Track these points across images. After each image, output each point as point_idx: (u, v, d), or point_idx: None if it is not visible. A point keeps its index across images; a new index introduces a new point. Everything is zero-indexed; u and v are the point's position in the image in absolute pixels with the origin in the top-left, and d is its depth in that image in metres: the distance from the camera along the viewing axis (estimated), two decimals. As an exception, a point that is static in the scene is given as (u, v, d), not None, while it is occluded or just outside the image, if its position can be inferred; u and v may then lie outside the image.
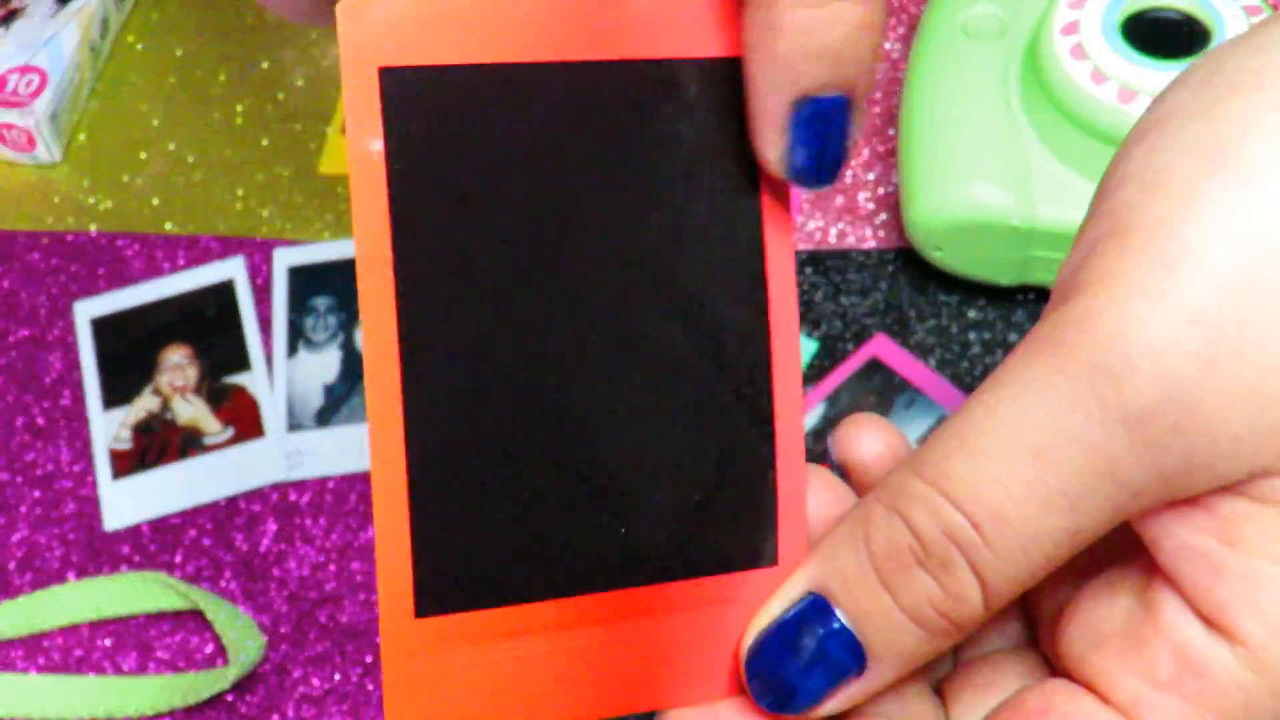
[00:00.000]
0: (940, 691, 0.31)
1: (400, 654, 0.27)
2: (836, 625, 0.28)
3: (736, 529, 0.29)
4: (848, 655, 0.28)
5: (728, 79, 0.28)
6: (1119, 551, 0.28)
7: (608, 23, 0.27)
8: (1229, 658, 0.26)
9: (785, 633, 0.28)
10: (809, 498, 0.30)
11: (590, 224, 0.27)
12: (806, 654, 0.28)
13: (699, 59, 0.28)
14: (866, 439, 0.31)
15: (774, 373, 0.29)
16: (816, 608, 0.28)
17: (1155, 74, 0.55)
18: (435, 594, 0.27)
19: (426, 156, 0.26)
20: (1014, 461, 0.26)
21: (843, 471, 0.32)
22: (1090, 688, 0.27)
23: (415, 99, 0.26)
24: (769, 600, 0.29)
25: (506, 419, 0.27)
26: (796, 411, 0.29)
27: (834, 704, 0.28)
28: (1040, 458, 0.25)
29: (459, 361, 0.27)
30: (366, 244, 0.26)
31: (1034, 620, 0.31)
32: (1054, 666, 0.29)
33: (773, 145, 0.27)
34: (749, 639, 0.29)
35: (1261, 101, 0.26)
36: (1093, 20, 0.57)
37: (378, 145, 0.26)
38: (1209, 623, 0.26)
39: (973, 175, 0.57)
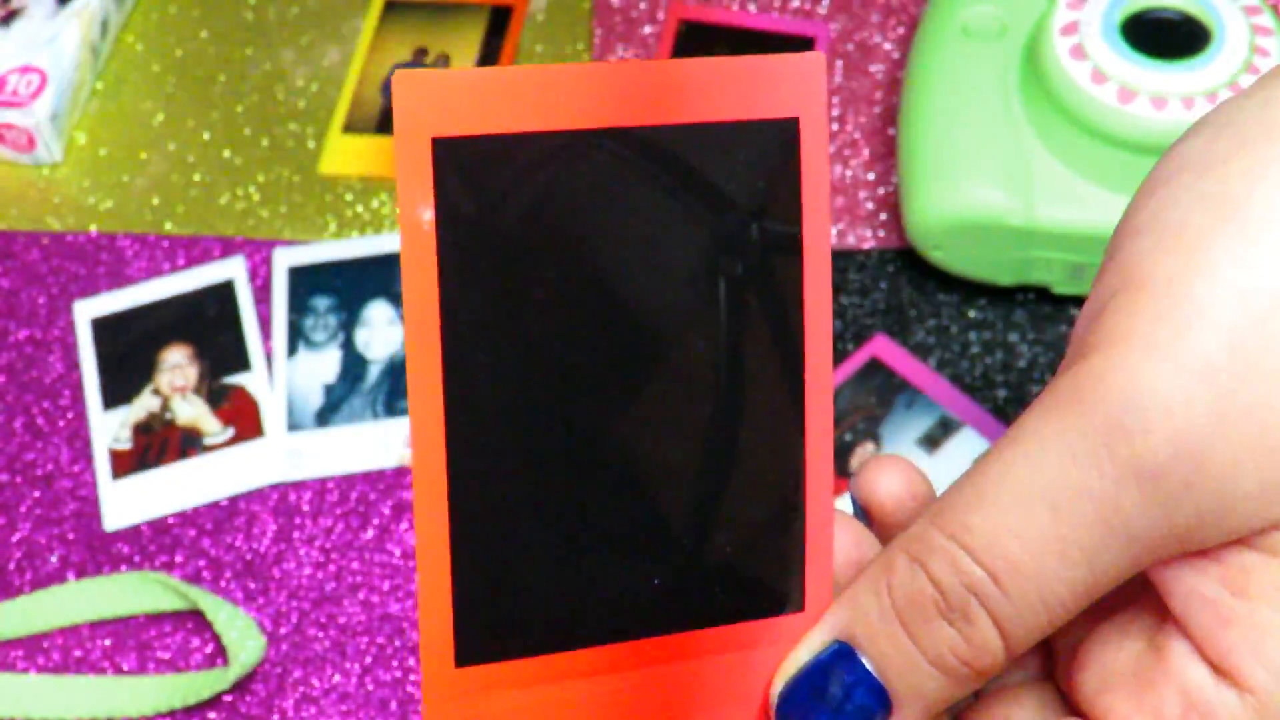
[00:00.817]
0: None
1: (441, 701, 0.28)
2: (862, 672, 0.28)
3: (765, 577, 0.30)
4: (873, 701, 0.28)
5: (777, 138, 0.29)
6: (1134, 594, 0.29)
7: (657, 90, 0.28)
8: (1235, 703, 0.26)
9: (813, 680, 0.29)
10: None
11: (635, 287, 0.28)
12: (834, 701, 0.29)
13: (751, 120, 0.29)
14: (886, 480, 0.32)
15: (806, 422, 0.30)
16: (842, 655, 0.29)
17: (1155, 74, 0.55)
18: (475, 644, 0.28)
19: (476, 225, 0.27)
20: (1030, 515, 0.26)
21: (864, 513, 0.32)
22: None
23: (467, 168, 0.27)
24: (796, 647, 0.30)
25: (546, 474, 0.28)
26: (826, 462, 0.30)
27: None
28: (1056, 512, 0.26)
29: (501, 417, 0.28)
30: (415, 308, 0.27)
31: (1053, 654, 0.32)
32: (1069, 702, 0.30)
33: None
34: (778, 685, 0.30)
35: (1270, 155, 0.26)
36: (1093, 20, 0.57)
37: (429, 214, 0.27)
38: (1216, 669, 0.27)
39: (973, 175, 0.57)
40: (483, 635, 0.28)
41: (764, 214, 0.29)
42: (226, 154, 0.68)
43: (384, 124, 0.68)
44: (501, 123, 0.27)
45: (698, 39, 0.69)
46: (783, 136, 0.29)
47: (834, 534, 0.31)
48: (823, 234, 0.30)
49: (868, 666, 0.28)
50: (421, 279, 0.27)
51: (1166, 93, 0.55)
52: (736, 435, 0.29)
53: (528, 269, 0.28)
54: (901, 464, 0.32)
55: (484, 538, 0.28)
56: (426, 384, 0.27)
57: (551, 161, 0.28)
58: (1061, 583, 0.26)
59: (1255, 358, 0.25)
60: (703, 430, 0.29)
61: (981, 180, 0.57)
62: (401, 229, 0.27)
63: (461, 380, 0.27)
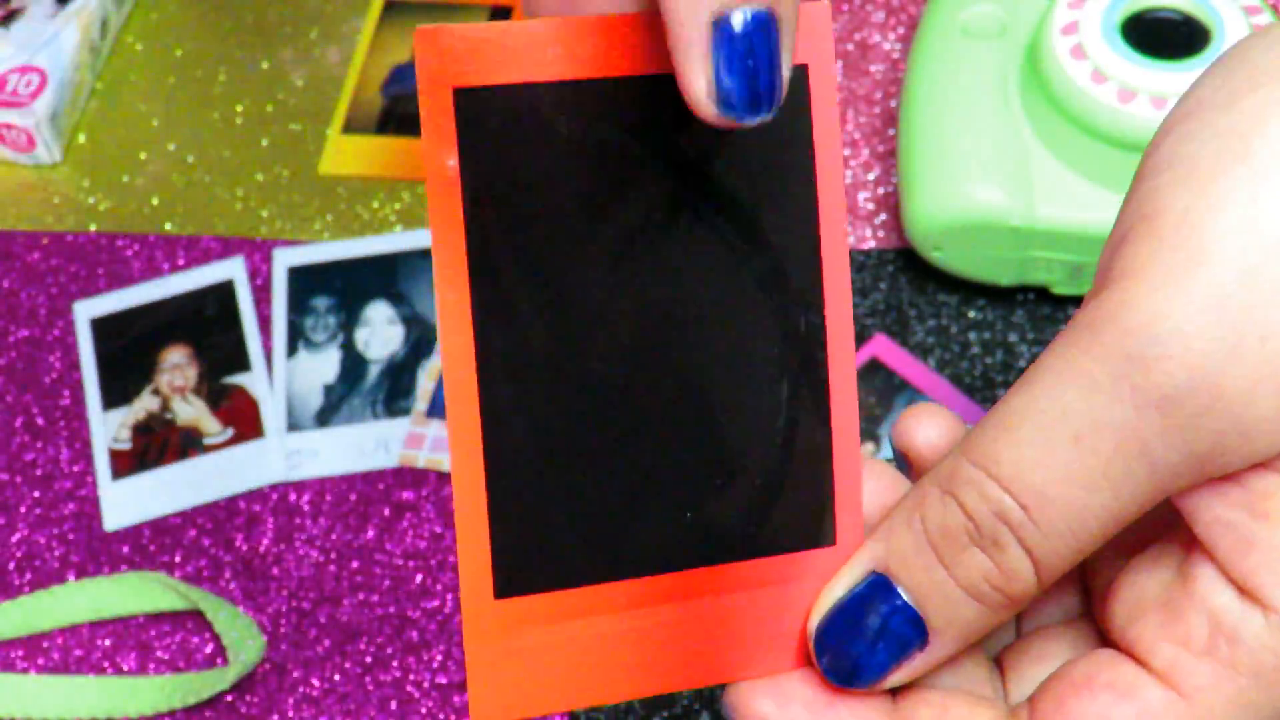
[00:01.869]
0: (998, 662, 0.32)
1: (481, 634, 0.29)
2: (899, 602, 0.29)
3: (797, 511, 0.31)
4: (910, 630, 0.29)
5: (797, 82, 0.30)
6: (1164, 527, 0.30)
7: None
8: (1260, 623, 0.27)
9: (850, 612, 0.30)
10: (865, 487, 0.32)
11: (657, 225, 0.29)
12: (872, 630, 0.30)
13: None
14: (924, 428, 0.32)
15: (830, 361, 0.31)
16: (879, 586, 0.30)
17: (1155, 74, 0.55)
18: (513, 576, 0.29)
19: (499, 171, 0.28)
20: (1056, 446, 0.27)
21: (902, 459, 0.33)
22: (1132, 656, 0.29)
23: (488, 117, 0.28)
24: (832, 580, 0.31)
25: (579, 408, 0.29)
26: (851, 398, 0.31)
27: (898, 676, 0.30)
28: (1079, 442, 0.27)
29: (532, 355, 0.29)
30: (443, 253, 0.28)
31: (1089, 593, 0.33)
32: (1104, 637, 0.31)
33: (698, 75, 0.27)
34: (815, 618, 0.30)
35: (1276, 96, 0.27)
36: (1092, 20, 0.57)
37: (452, 161, 0.28)
38: (1241, 591, 0.27)
39: (972, 175, 0.57)
40: (521, 566, 0.29)
41: (778, 156, 0.30)
42: (226, 154, 0.68)
43: (384, 124, 0.68)
44: (521, 73, 0.28)
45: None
46: (792, 84, 0.29)
47: (869, 480, 0.32)
48: (835, 174, 0.30)
49: (904, 597, 0.29)
50: (448, 223, 0.28)
51: (1166, 93, 0.55)
52: (764, 369, 0.30)
53: (552, 211, 0.28)
54: (941, 411, 0.33)
55: (519, 470, 0.29)
56: (457, 322, 0.28)
57: (571, 108, 0.28)
58: (1088, 510, 0.27)
59: (1267, 287, 0.26)
60: (732, 364, 0.30)
61: (981, 180, 0.57)
62: (427, 177, 0.28)
63: (491, 317, 0.28)
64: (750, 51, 0.27)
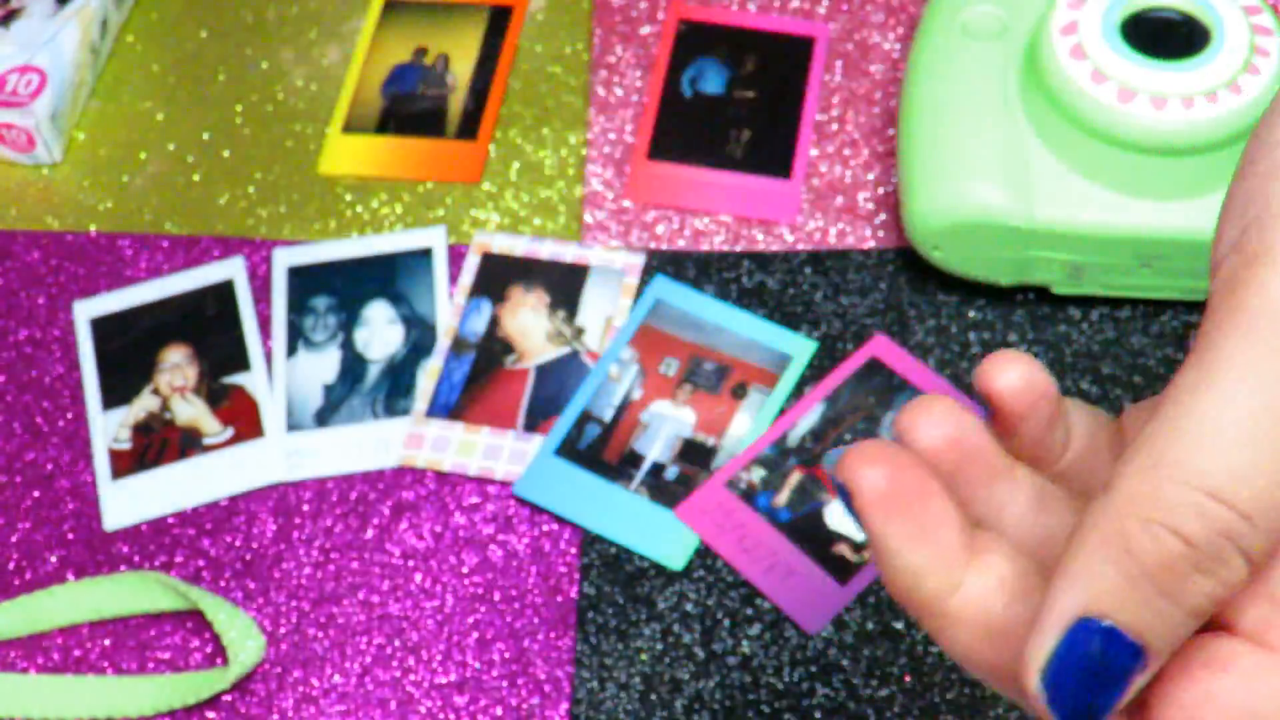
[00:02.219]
0: None
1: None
2: (1118, 636, 0.29)
3: None
4: (1134, 660, 0.29)
5: None
6: None
7: None
8: None
9: (1071, 661, 0.29)
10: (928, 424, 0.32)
11: None
12: (1097, 673, 0.29)
13: None
14: (1010, 373, 0.32)
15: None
16: (1093, 631, 0.29)
17: (1155, 74, 0.55)
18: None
19: None
20: (1261, 446, 0.27)
21: (985, 404, 0.32)
22: (1218, 625, 0.29)
23: None
24: (1035, 635, 0.30)
25: None
26: None
27: (1125, 701, 0.30)
28: None
29: None
30: None
31: None
32: None
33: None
34: (1034, 675, 0.30)
35: None
36: (1092, 20, 0.57)
37: None
38: None
39: (972, 175, 0.57)
40: None
41: None
42: (226, 154, 0.68)
43: (384, 124, 0.68)
44: None
45: (698, 39, 0.69)
46: None
47: (935, 413, 0.31)
48: None
49: (1124, 634, 0.29)
50: None
51: (1166, 93, 0.55)
52: None
53: None
54: (1022, 358, 0.32)
55: None
56: None
57: None
58: None
59: None
60: None
61: (981, 180, 0.57)
62: None
63: None
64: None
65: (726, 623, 0.55)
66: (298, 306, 0.63)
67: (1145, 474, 0.28)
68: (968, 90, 0.59)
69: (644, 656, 0.54)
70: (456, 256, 0.64)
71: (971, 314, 0.61)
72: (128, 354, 0.62)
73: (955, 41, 0.61)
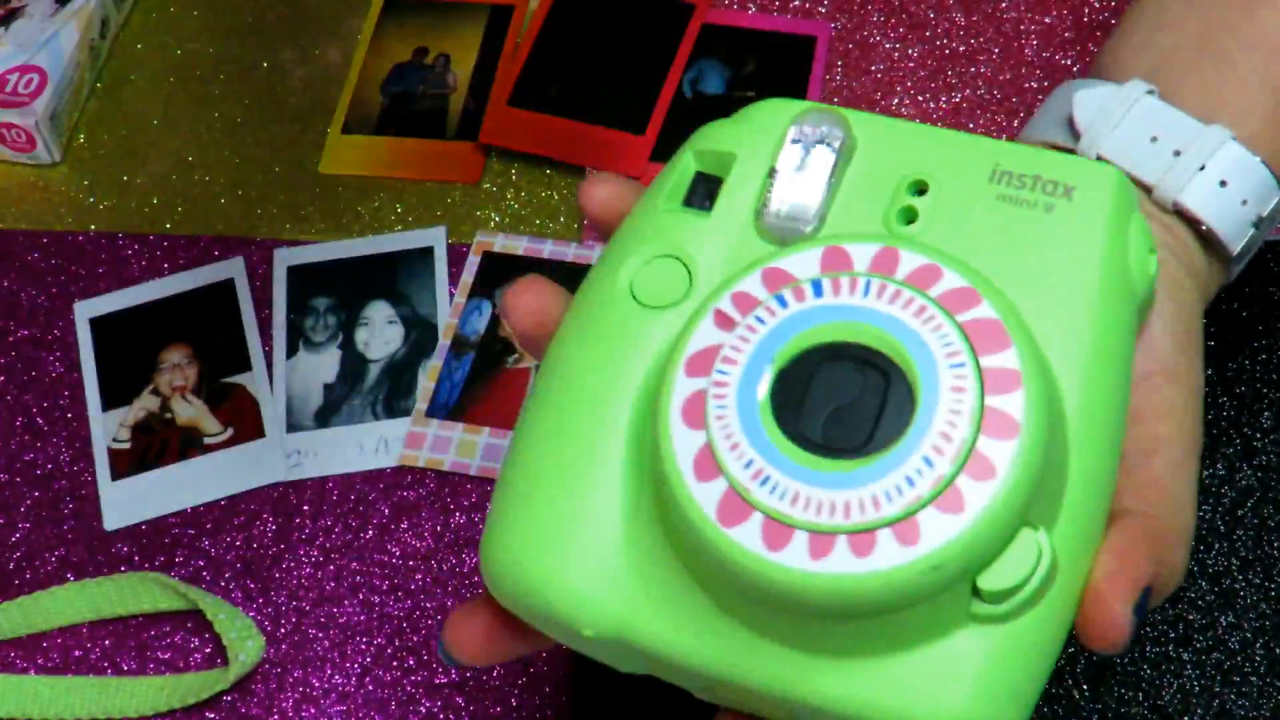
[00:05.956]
0: None
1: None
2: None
3: None
4: None
5: None
6: None
7: None
8: None
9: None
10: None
11: None
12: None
13: None
14: (600, 192, 0.41)
15: None
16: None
17: (820, 492, 0.32)
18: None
19: None
20: None
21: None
22: None
23: None
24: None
25: None
26: None
27: None
28: None
29: None
30: None
31: None
32: None
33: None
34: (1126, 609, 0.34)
35: None
36: (728, 388, 0.33)
37: None
38: None
39: (563, 551, 0.35)
40: None
41: None
42: (226, 154, 0.68)
43: (384, 124, 0.68)
44: None
45: (698, 38, 0.69)
46: None
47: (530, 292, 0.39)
48: None
49: None
50: None
51: (841, 524, 0.31)
52: None
53: None
54: (612, 178, 0.40)
55: None
56: None
57: None
58: None
59: None
60: None
61: (575, 563, 0.35)
62: None
63: None
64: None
65: (727, 623, 0.55)
66: (298, 306, 0.63)
67: None
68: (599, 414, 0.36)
69: (644, 657, 0.54)
70: (457, 256, 0.64)
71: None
72: (128, 354, 0.62)
73: (619, 310, 0.37)
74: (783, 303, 0.34)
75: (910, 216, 0.36)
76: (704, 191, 0.38)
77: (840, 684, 0.32)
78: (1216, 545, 0.54)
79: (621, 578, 0.35)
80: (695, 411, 0.33)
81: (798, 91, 0.67)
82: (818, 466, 0.32)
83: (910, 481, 0.31)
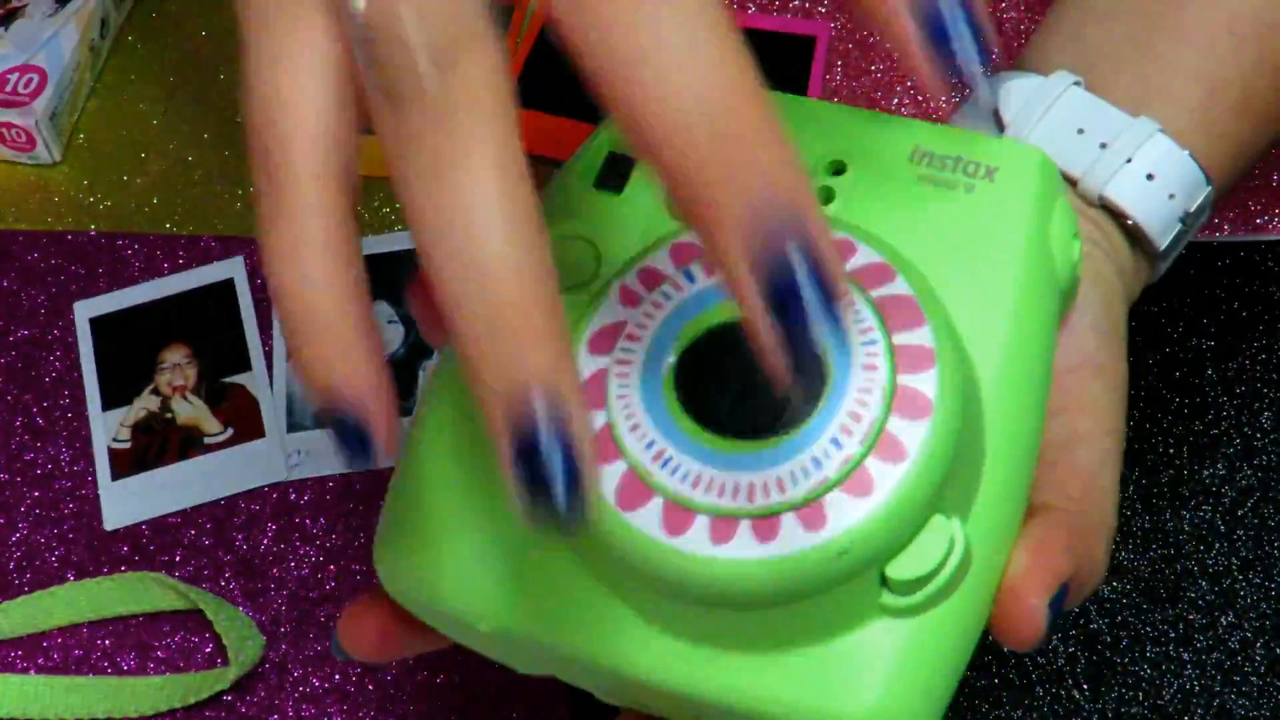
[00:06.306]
0: None
1: None
2: None
3: None
4: None
5: None
6: None
7: None
8: None
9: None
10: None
11: None
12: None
13: None
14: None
15: None
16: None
17: (723, 475, 0.31)
18: None
19: None
20: None
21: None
22: None
23: None
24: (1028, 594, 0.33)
25: None
26: None
27: None
28: None
29: None
30: None
31: None
32: None
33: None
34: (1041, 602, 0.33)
35: None
36: (630, 370, 0.32)
37: None
38: None
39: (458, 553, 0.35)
40: None
41: None
42: (226, 154, 0.68)
43: (384, 124, 0.68)
44: None
45: (698, 39, 0.69)
46: None
47: None
48: None
49: None
50: None
51: (742, 508, 0.31)
52: None
53: None
54: None
55: None
56: None
57: None
58: None
59: None
60: None
61: (467, 556, 0.34)
62: None
63: None
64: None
65: (727, 623, 0.55)
66: (298, 306, 0.63)
67: None
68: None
69: (644, 656, 0.54)
70: (457, 256, 0.64)
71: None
72: (128, 354, 0.62)
73: None
74: (690, 278, 0.33)
75: (828, 196, 0.35)
76: (617, 172, 0.37)
77: (742, 679, 0.31)
78: (1216, 545, 0.54)
79: (517, 570, 0.33)
80: (596, 391, 0.32)
81: (798, 91, 0.67)
82: (722, 448, 0.31)
83: (817, 463, 0.30)
